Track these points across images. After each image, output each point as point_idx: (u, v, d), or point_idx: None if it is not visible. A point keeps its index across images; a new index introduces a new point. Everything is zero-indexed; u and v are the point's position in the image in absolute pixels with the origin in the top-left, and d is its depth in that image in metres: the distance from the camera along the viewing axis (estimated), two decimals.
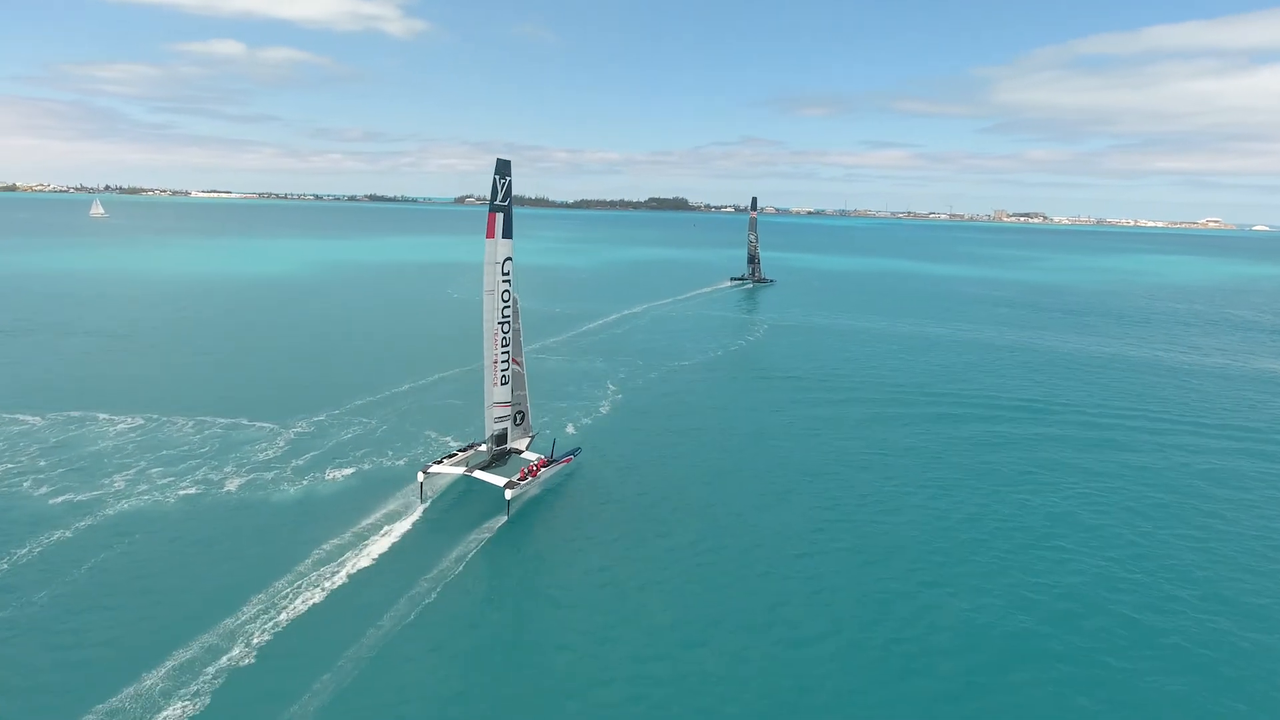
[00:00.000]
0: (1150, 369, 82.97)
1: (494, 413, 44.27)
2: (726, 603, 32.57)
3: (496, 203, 41.49)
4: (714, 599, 32.86)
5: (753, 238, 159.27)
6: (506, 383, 44.62)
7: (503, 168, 41.45)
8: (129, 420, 53.10)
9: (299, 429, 52.24)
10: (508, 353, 44.31)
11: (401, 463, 46.46)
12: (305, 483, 42.98)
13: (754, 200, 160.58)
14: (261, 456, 46.80)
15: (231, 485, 42.21)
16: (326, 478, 43.77)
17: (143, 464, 44.96)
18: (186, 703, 24.92)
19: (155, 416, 54.08)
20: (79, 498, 39.87)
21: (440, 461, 42.82)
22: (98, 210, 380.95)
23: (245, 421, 53.59)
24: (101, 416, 53.67)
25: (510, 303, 43.76)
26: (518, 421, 46.45)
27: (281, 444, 49.24)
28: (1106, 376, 78.19)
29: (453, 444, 49.57)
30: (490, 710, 25.89)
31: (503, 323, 43.51)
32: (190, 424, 52.78)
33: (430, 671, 27.47)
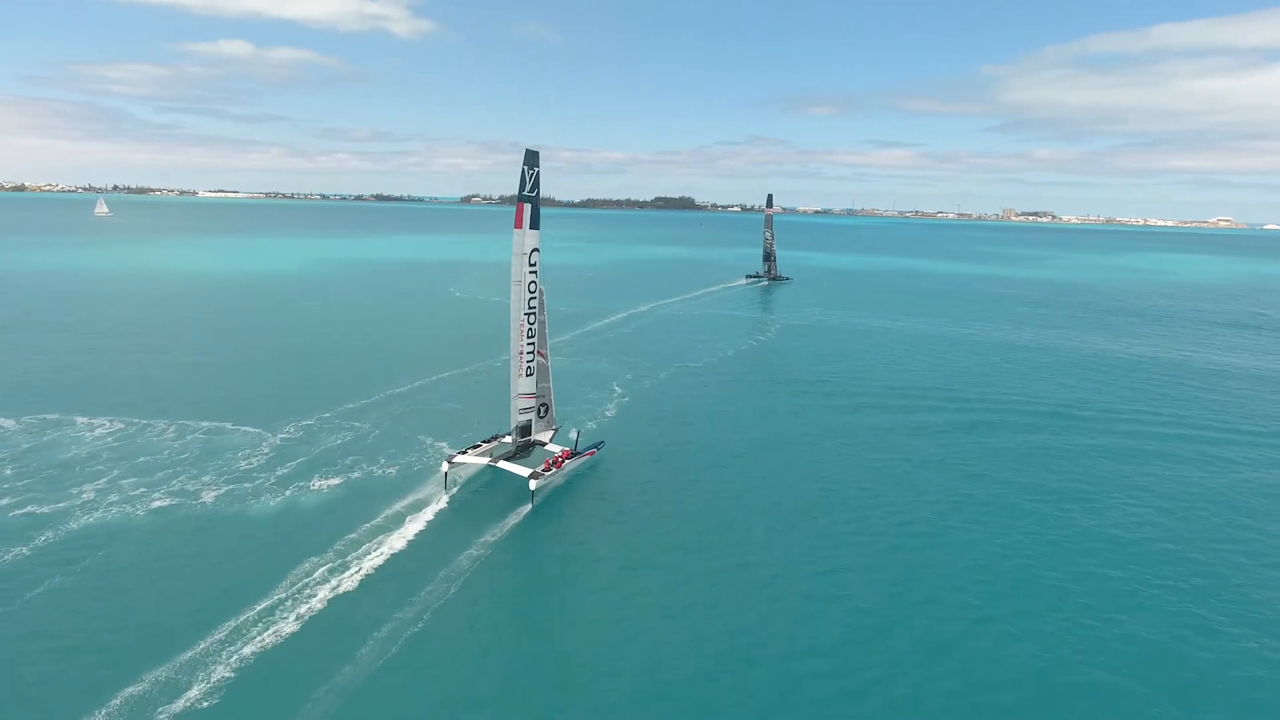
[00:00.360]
0: (1183, 371, 79.34)
1: (519, 404, 43.77)
2: (750, 637, 29.30)
3: (525, 193, 40.90)
4: (735, 630, 29.60)
5: (769, 235, 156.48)
6: (531, 374, 44.03)
7: (531, 158, 40.78)
8: (107, 424, 50.16)
9: (286, 434, 49.18)
10: (533, 344, 43.72)
11: (393, 472, 43.31)
12: (288, 494, 39.87)
13: (769, 197, 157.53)
14: (244, 464, 43.73)
15: (208, 496, 39.13)
16: (311, 488, 40.65)
17: (116, 472, 41.93)
18: None
19: (135, 420, 51.11)
20: (42, 510, 36.83)
21: (465, 451, 42.33)
22: (102, 210, 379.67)
23: (230, 426, 50.58)
24: (80, 420, 50.74)
25: (536, 294, 43.08)
26: (541, 414, 45.60)
27: (266, 450, 46.18)
28: (1138, 379, 74.63)
29: (447, 449, 46.53)
30: None
31: (529, 314, 42.92)
32: (171, 428, 49.81)
33: (421, 699, 24.36)
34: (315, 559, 32.77)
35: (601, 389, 63.11)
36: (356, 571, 31.97)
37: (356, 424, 51.81)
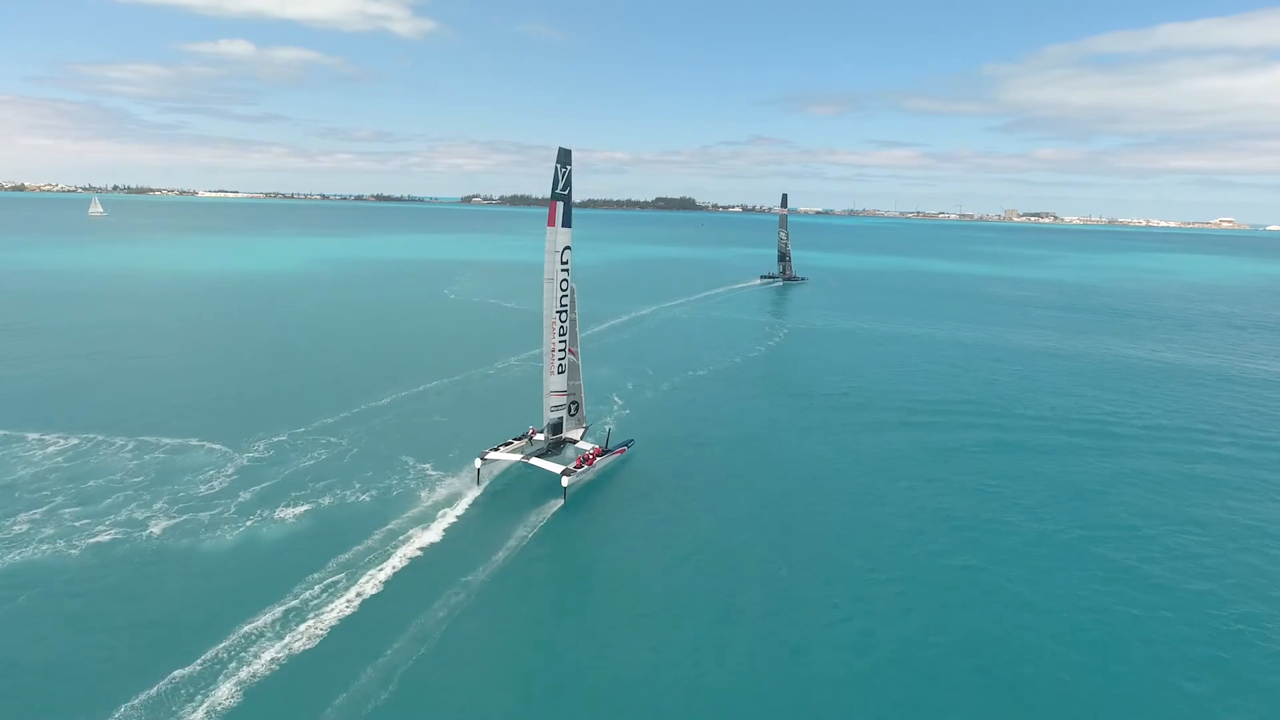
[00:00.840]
0: (1220, 379, 74.81)
1: (550, 401, 44.01)
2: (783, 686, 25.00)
3: (557, 191, 41.24)
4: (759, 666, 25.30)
5: (783, 235, 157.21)
6: (563, 371, 44.11)
7: (564, 156, 41.04)
8: (62, 440, 45.88)
9: (254, 453, 44.85)
10: (564, 341, 43.78)
11: (367, 498, 38.92)
12: (248, 524, 35.53)
13: (784, 197, 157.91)
14: (203, 489, 39.37)
15: (156, 528, 34.77)
16: (275, 518, 36.30)
17: (59, 499, 37.59)
18: None
19: (93, 436, 46.83)
20: None
21: (497, 449, 42.60)
22: (96, 209, 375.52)
23: (195, 442, 46.29)
24: (31, 436, 46.50)
25: (568, 291, 43.19)
26: (572, 411, 45.69)
27: (230, 471, 41.86)
28: (1174, 389, 70.10)
29: (431, 472, 42.48)
30: None
31: (560, 311, 43.00)
32: (130, 445, 45.50)
33: None
34: (270, 608, 28.39)
35: (601, 401, 58.60)
36: (316, 623, 27.58)
37: (333, 440, 47.49)
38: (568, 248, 42.11)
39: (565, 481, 39.50)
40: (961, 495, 42.48)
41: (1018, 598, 31.54)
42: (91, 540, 33.43)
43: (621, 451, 45.93)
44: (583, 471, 41.27)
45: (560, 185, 41.08)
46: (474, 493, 39.76)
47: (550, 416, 44.26)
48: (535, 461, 41.58)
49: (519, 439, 44.36)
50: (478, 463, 41.06)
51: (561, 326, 43.26)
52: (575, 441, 45.40)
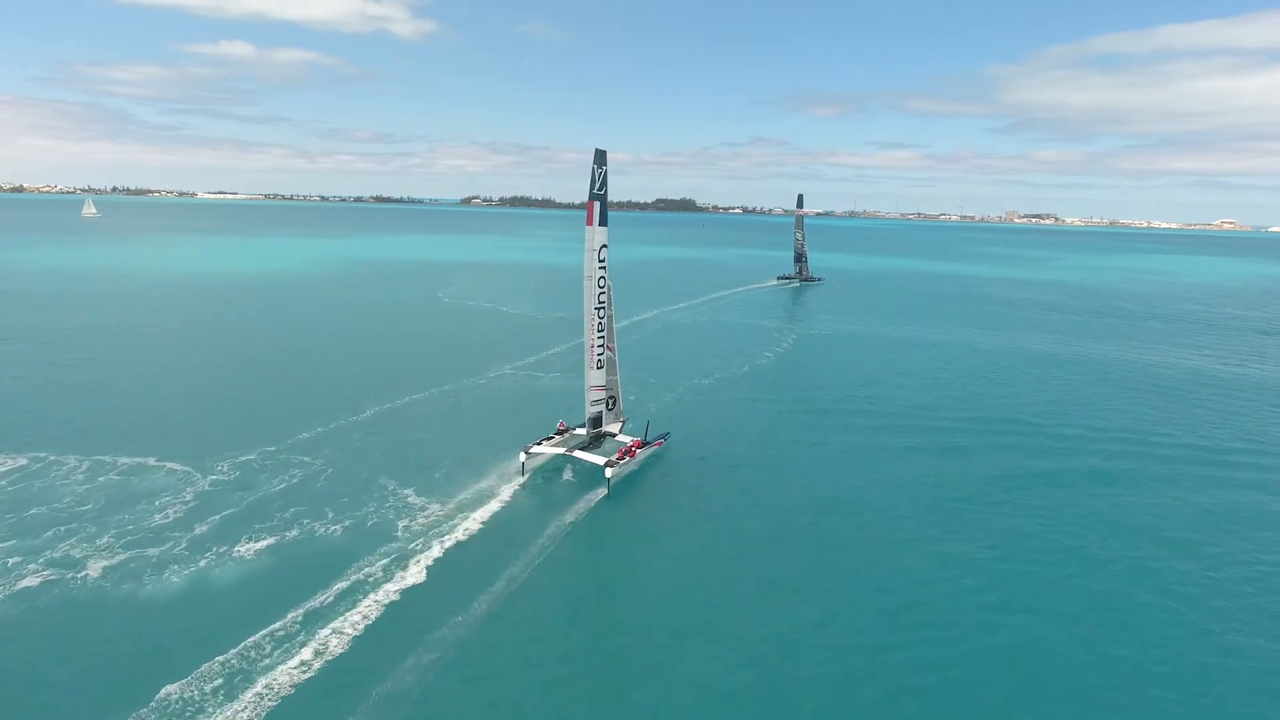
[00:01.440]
0: (1260, 390, 70.69)
1: (591, 396, 45.47)
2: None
3: (594, 191, 42.32)
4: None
5: (799, 236, 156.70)
6: (601, 367, 45.46)
7: (600, 157, 42.14)
8: (9, 462, 41.78)
9: (218, 474, 40.71)
10: (603, 338, 45.23)
11: (339, 530, 34.73)
12: (202, 564, 31.34)
13: (800, 198, 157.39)
14: (156, 519, 35.19)
15: (95, 568, 30.57)
16: (233, 555, 32.12)
17: None
18: None
19: (44, 455, 42.74)
20: None
21: (540, 443, 44.18)
22: (90, 210, 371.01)
23: (154, 462, 42.19)
24: None
25: (605, 288, 44.66)
26: (610, 406, 46.98)
27: (189, 497, 37.71)
28: (1212, 402, 65.85)
29: (413, 499, 38.36)
30: None
31: (599, 308, 44.39)
32: (84, 466, 41.39)
33: None
34: (209, 663, 24.23)
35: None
36: (265, 686, 23.45)
37: (306, 459, 43.35)
38: (604, 246, 43.49)
39: (609, 473, 40.50)
40: (996, 527, 38.31)
41: (1079, 658, 27.44)
42: (19, 585, 29.18)
43: (659, 444, 46.69)
44: (625, 463, 42.18)
45: (597, 185, 42.38)
46: (517, 482, 41.13)
47: (590, 410, 45.64)
48: (578, 454, 43.12)
49: (560, 434, 45.90)
50: (522, 456, 42.46)
51: (600, 323, 44.60)
52: (614, 435, 46.70)
